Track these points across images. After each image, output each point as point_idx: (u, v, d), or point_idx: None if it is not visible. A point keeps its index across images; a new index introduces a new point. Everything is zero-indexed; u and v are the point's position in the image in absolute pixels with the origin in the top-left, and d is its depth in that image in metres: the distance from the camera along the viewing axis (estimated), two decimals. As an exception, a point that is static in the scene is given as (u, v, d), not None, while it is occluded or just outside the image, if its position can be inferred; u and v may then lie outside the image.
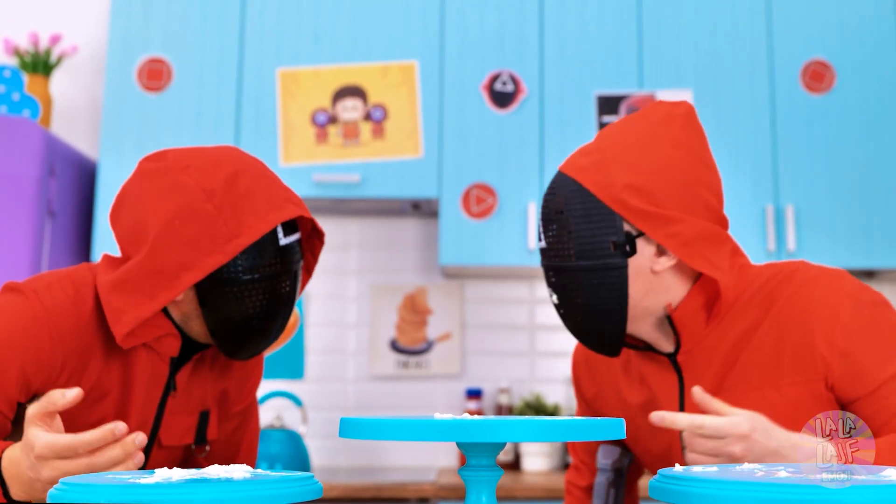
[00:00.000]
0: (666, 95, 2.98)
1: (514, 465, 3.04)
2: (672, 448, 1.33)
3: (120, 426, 1.03)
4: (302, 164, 2.94)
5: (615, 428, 0.82)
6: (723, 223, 1.29)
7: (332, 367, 3.20)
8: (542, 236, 1.30)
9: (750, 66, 3.01)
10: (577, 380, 1.50)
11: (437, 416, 0.88)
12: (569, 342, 3.23)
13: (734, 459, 1.13)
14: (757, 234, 2.91)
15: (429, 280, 3.26)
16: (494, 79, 3.00)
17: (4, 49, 3.12)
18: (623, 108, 2.98)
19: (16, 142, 2.62)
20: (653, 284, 1.26)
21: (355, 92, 2.99)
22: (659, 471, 0.76)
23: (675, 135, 1.27)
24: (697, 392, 1.18)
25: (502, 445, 0.86)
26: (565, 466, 3.04)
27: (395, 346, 3.20)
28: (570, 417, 0.82)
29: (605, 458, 1.43)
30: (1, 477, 1.12)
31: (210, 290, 1.26)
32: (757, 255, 2.89)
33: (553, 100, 2.99)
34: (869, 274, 3.16)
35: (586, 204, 1.24)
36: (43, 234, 2.67)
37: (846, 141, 2.97)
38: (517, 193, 2.94)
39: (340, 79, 3.00)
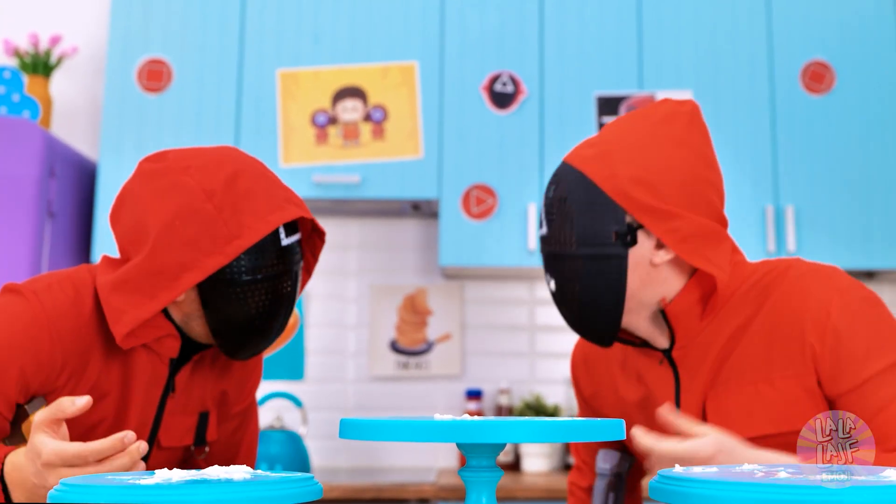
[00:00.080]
0: (666, 96, 2.98)
1: (514, 465, 3.04)
2: None
3: (129, 435, 1.04)
4: (302, 165, 2.94)
5: (615, 428, 0.82)
6: (723, 222, 1.30)
7: (331, 367, 3.20)
8: (544, 224, 1.31)
9: (750, 66, 3.01)
10: (576, 379, 1.51)
11: (437, 416, 0.88)
12: (569, 343, 3.23)
13: None
14: (757, 235, 2.91)
15: (429, 281, 3.26)
16: (494, 79, 3.00)
17: (4, 50, 3.13)
18: (623, 109, 2.98)
19: (16, 143, 2.62)
20: (651, 276, 1.27)
21: (355, 93, 2.99)
22: (659, 471, 0.77)
23: (680, 132, 1.28)
24: (663, 411, 1.20)
25: (502, 446, 0.86)
26: (565, 467, 3.04)
27: (395, 347, 3.20)
28: (570, 418, 0.82)
29: (604, 463, 1.44)
30: (3, 482, 1.12)
31: (212, 291, 1.26)
32: (757, 255, 2.89)
33: (553, 100, 2.99)
34: (869, 274, 3.16)
35: (590, 194, 1.25)
36: (43, 234, 2.67)
37: (846, 141, 2.97)
38: (517, 194, 2.94)
39: (340, 79, 3.00)
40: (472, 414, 3.05)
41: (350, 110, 2.98)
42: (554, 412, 3.10)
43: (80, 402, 1.06)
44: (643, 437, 1.18)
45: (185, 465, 1.44)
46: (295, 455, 2.68)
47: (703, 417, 1.28)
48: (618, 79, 3.01)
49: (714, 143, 2.98)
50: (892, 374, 1.20)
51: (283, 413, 3.17)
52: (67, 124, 3.30)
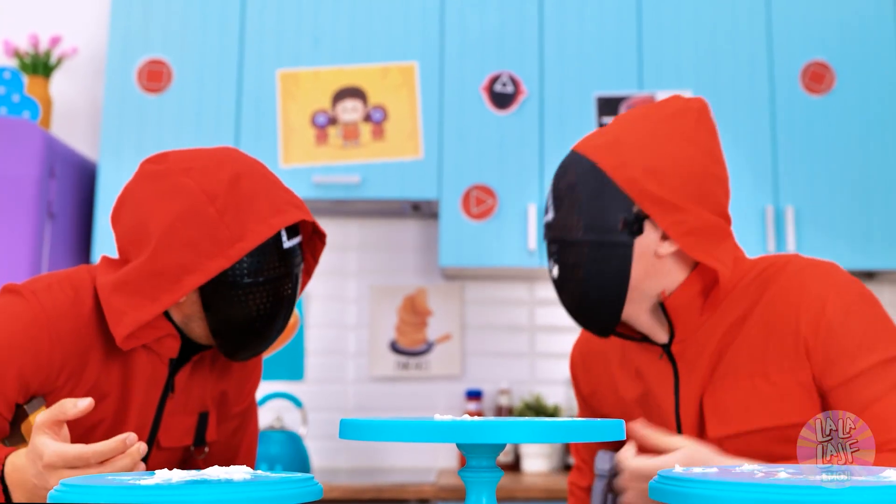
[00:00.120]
0: (666, 96, 2.98)
1: (514, 466, 3.04)
2: None
3: (131, 437, 1.04)
4: (302, 166, 2.94)
5: (615, 429, 0.82)
6: (727, 219, 1.32)
7: (331, 368, 3.20)
8: (550, 209, 1.32)
9: (750, 67, 3.01)
10: (575, 378, 1.51)
11: (437, 417, 0.88)
12: (569, 344, 3.23)
13: None
14: (757, 235, 2.91)
15: (429, 281, 3.26)
16: (494, 80, 3.00)
17: (4, 51, 3.13)
18: (623, 109, 2.98)
19: (16, 143, 2.63)
20: (654, 267, 1.28)
21: (355, 93, 2.99)
22: (659, 472, 0.77)
23: (689, 128, 1.30)
24: (636, 427, 1.22)
25: (502, 447, 0.86)
26: (565, 468, 3.04)
27: (394, 348, 3.20)
28: (570, 418, 0.82)
29: (603, 464, 1.44)
30: (4, 483, 1.12)
31: (213, 293, 1.26)
32: (757, 255, 2.89)
33: (553, 101, 2.99)
34: (869, 275, 3.16)
35: (599, 182, 1.26)
36: (43, 235, 2.67)
37: (846, 142, 2.97)
38: (517, 195, 2.94)
39: (340, 80, 3.00)
40: (471, 414, 3.05)
41: (350, 111, 2.98)
42: (554, 412, 3.10)
43: (83, 404, 1.06)
44: (640, 431, 1.19)
45: (184, 465, 1.44)
46: (295, 455, 2.68)
47: (701, 412, 1.29)
48: (618, 79, 3.01)
49: (714, 143, 2.97)
50: (882, 371, 1.21)
51: (283, 413, 3.17)
52: (67, 125, 3.30)
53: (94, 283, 1.31)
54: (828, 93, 2.99)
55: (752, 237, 2.91)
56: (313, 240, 1.40)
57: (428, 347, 3.21)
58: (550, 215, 1.31)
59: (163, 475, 0.76)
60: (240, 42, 3.02)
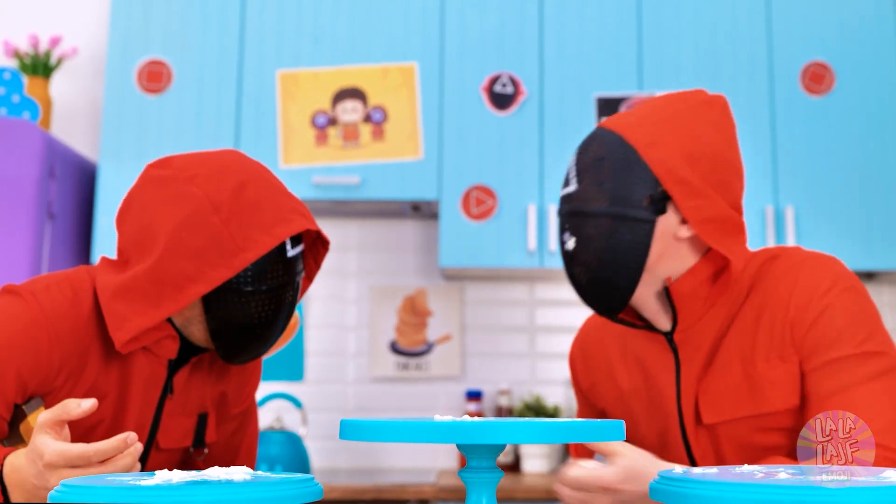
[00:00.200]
0: (665, 97, 2.98)
1: (514, 466, 3.04)
2: (668, 433, 1.34)
3: (132, 436, 1.04)
4: (302, 166, 2.94)
5: (615, 430, 0.82)
6: (740, 213, 1.33)
7: (331, 368, 3.20)
8: (573, 181, 1.31)
9: (750, 67, 3.01)
10: (574, 373, 1.52)
11: (437, 417, 0.88)
12: (568, 344, 3.23)
13: None
14: (757, 235, 2.91)
15: (429, 282, 3.26)
16: (494, 80, 3.00)
17: (4, 51, 3.13)
18: (622, 110, 2.97)
19: (16, 144, 2.63)
20: (671, 250, 1.28)
21: (355, 94, 2.99)
22: (659, 472, 0.77)
23: (716, 118, 1.31)
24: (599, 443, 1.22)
25: (502, 447, 0.86)
26: (565, 468, 3.04)
27: (394, 348, 3.20)
28: (570, 419, 0.82)
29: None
30: (3, 484, 1.12)
31: (215, 299, 1.27)
32: (757, 256, 2.90)
33: (553, 101, 2.99)
34: (869, 275, 3.16)
35: (628, 157, 1.26)
36: (43, 236, 2.67)
37: (846, 142, 2.97)
38: (517, 195, 2.94)
39: (340, 80, 3.00)
40: (472, 415, 3.05)
41: (350, 111, 2.98)
42: (554, 413, 3.10)
43: (87, 405, 1.06)
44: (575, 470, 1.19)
45: (184, 466, 1.44)
46: (295, 456, 2.68)
47: (697, 401, 1.30)
48: (617, 80, 3.01)
49: (714, 143, 2.98)
50: (858, 362, 1.22)
51: (283, 414, 3.17)
52: (67, 125, 3.30)
53: (93, 284, 1.31)
54: (828, 93, 2.99)
55: (752, 237, 2.91)
56: (316, 245, 1.40)
57: (428, 348, 3.21)
58: (572, 187, 1.30)
59: (163, 476, 0.76)
60: (240, 42, 3.02)
